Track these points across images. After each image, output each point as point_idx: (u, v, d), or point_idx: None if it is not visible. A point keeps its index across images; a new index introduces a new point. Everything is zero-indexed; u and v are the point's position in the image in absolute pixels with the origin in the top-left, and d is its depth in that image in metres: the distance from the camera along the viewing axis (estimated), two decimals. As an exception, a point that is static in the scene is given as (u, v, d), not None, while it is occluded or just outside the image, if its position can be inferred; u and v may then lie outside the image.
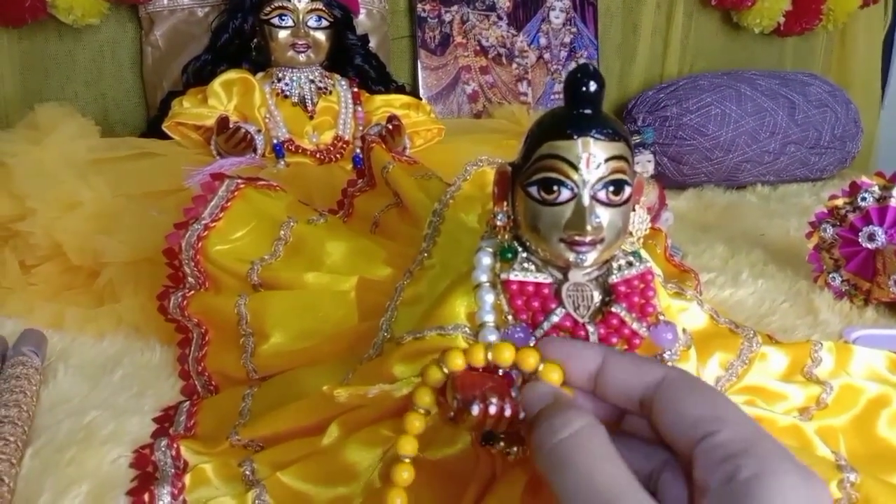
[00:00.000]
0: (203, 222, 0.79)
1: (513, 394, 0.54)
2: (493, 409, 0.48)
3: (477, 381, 0.52)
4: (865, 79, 2.07)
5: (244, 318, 0.75)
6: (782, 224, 1.41)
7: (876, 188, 1.07)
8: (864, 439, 0.69)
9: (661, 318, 0.60)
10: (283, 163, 1.20)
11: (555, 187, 0.55)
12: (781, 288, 1.10)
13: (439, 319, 0.59)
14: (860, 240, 1.06)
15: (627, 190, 0.56)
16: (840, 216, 1.09)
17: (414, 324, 0.63)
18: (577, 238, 0.55)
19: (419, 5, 1.59)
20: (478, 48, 1.63)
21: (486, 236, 0.64)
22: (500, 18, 1.64)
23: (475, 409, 0.48)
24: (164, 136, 1.25)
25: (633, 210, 0.60)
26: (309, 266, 0.77)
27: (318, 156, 1.24)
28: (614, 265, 0.60)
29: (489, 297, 0.59)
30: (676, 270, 0.97)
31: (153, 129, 1.30)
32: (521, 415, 0.51)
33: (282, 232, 0.79)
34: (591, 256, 0.56)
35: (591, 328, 0.58)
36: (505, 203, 0.60)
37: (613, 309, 0.58)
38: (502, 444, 0.55)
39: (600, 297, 0.60)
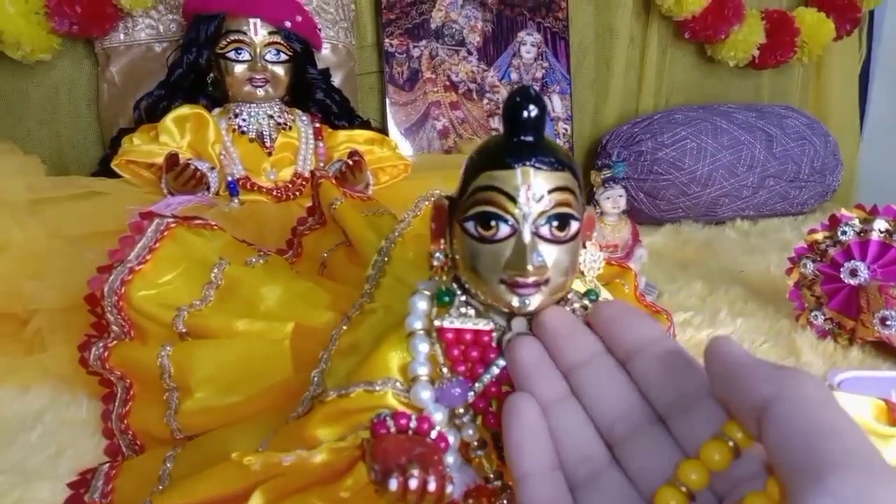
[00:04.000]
0: (128, 265, 0.73)
1: (445, 462, 0.48)
2: (413, 484, 0.41)
3: (403, 447, 0.46)
4: (843, 111, 2.05)
5: (167, 370, 0.68)
6: (762, 260, 1.36)
7: (856, 221, 1.02)
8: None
9: (619, 367, 0.54)
10: (236, 201, 1.14)
11: (492, 222, 0.49)
12: (762, 327, 1.05)
13: (368, 373, 0.53)
14: (842, 276, 1.01)
15: (574, 225, 0.51)
16: (820, 251, 1.04)
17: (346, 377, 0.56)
18: (518, 279, 0.49)
19: (387, 40, 1.56)
20: (447, 83, 1.60)
21: (437, 281, 0.57)
22: (469, 53, 1.61)
23: (393, 484, 0.42)
24: (116, 175, 1.19)
25: (584, 247, 0.54)
26: (241, 312, 0.71)
27: (275, 193, 1.18)
28: (567, 309, 0.54)
29: (423, 347, 0.52)
30: (648, 311, 0.91)
31: (104, 167, 1.24)
32: (449, 489, 0.44)
33: (213, 275, 0.73)
34: (536, 300, 0.50)
35: (537, 381, 0.51)
36: (442, 241, 0.54)
37: (563, 359, 0.52)
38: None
39: (550, 346, 0.53)
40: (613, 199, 1.19)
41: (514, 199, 0.49)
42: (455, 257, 0.53)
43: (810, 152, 1.67)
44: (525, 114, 0.49)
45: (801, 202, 1.72)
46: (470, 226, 0.50)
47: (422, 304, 0.54)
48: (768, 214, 1.70)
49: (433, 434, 0.48)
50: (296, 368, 0.67)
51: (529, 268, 0.48)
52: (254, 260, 0.78)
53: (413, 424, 0.48)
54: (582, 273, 0.54)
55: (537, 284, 0.49)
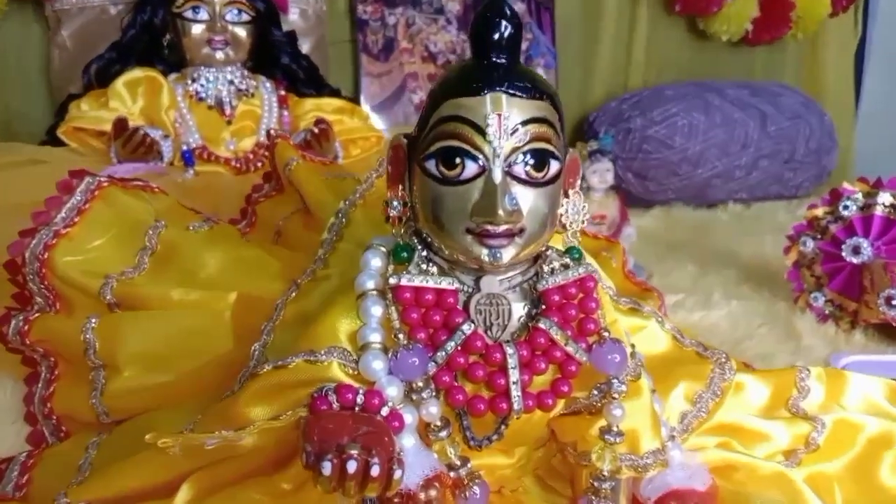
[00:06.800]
0: (53, 228, 0.64)
1: (397, 444, 0.40)
2: (351, 468, 0.33)
3: (345, 426, 0.37)
4: (838, 91, 1.99)
5: (92, 346, 0.60)
6: (757, 242, 1.30)
7: (859, 195, 0.96)
8: (863, 488, 0.57)
9: (607, 335, 0.46)
10: (191, 171, 1.05)
11: (457, 159, 0.41)
12: (758, 310, 0.98)
13: (311, 341, 0.45)
14: (844, 254, 0.94)
15: (554, 165, 0.43)
16: (821, 228, 0.97)
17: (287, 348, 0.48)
18: (487, 227, 0.41)
19: (360, 6, 1.47)
20: (425, 54, 1.51)
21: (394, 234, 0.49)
22: (448, 22, 1.53)
23: (326, 468, 0.34)
24: (63, 145, 1.10)
25: (567, 196, 0.46)
26: (178, 281, 0.63)
27: (234, 164, 1.10)
28: (545, 268, 0.47)
29: (376, 310, 0.44)
30: (637, 289, 0.84)
31: (52, 136, 1.15)
32: (398, 473, 0.36)
33: (147, 239, 0.64)
34: (509, 253, 0.42)
35: (510, 350, 0.44)
36: (400, 187, 0.46)
37: (541, 325, 0.44)
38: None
39: (526, 310, 0.46)
40: (600, 174, 1.12)
41: (482, 132, 0.41)
42: (415, 205, 0.45)
43: (805, 132, 1.61)
44: (496, 32, 0.41)
45: (796, 185, 1.66)
46: (431, 165, 0.43)
47: (375, 261, 0.46)
48: (762, 197, 1.63)
49: (384, 411, 0.40)
50: (237, 343, 0.59)
51: (501, 213, 0.40)
52: (197, 225, 0.69)
53: (360, 399, 0.40)
54: (563, 226, 0.46)
55: (510, 234, 0.42)
